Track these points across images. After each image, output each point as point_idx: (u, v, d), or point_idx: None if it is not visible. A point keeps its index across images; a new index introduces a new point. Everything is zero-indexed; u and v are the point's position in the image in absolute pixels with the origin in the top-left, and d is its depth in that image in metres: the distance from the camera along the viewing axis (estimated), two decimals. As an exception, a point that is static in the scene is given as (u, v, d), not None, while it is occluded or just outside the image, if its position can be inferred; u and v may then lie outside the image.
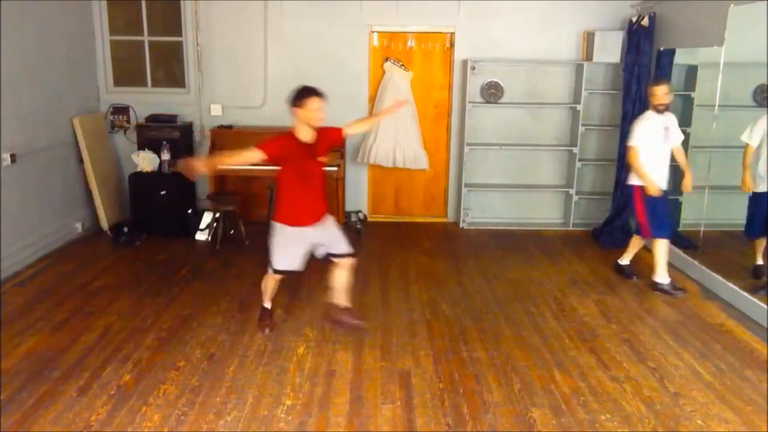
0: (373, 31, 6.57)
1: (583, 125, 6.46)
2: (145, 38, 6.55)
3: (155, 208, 6.09)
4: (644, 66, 5.99)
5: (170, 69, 6.71)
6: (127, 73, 6.66)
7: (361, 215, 6.78)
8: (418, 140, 6.59)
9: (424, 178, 6.89)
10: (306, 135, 3.71)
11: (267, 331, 4.07)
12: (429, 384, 3.48)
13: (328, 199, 6.54)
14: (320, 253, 3.96)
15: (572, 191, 6.59)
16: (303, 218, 3.80)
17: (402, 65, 6.52)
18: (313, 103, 3.62)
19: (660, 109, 4.73)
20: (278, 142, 3.68)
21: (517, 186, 6.79)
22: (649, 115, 4.80)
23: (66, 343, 3.85)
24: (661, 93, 4.70)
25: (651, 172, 4.79)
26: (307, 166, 3.79)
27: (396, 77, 6.50)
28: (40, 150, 5.45)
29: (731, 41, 4.79)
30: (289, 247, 3.83)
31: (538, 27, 6.48)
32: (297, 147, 3.70)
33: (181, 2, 6.43)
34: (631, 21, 6.13)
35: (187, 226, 6.16)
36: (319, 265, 5.37)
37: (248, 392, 3.36)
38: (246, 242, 5.89)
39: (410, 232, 6.53)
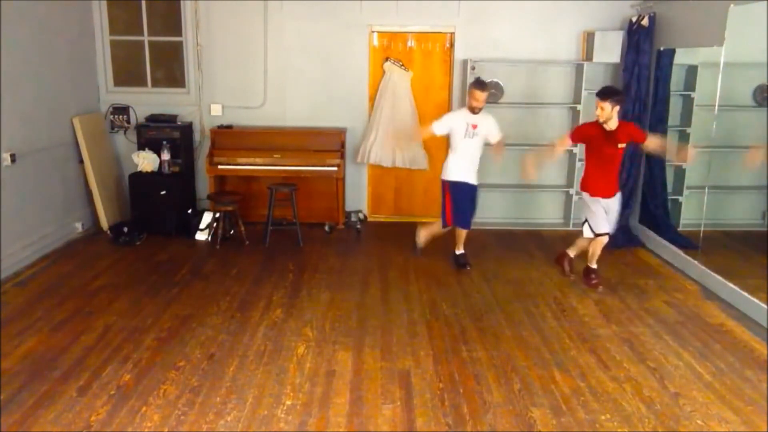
0: (373, 31, 6.57)
1: (583, 125, 6.46)
2: (145, 38, 6.56)
3: (155, 208, 6.09)
4: (644, 66, 5.98)
5: (170, 69, 6.71)
6: (127, 73, 6.66)
7: (361, 215, 6.79)
8: (418, 140, 6.58)
9: (424, 178, 6.87)
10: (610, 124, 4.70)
11: (600, 288, 4.88)
12: (429, 384, 3.48)
13: (328, 198, 6.64)
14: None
15: (572, 191, 6.59)
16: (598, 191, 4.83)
17: (402, 65, 6.51)
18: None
19: (475, 111, 5.11)
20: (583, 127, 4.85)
21: (517, 186, 6.78)
22: (458, 111, 5.38)
23: (66, 343, 3.86)
24: (482, 98, 5.07)
25: (452, 163, 5.31)
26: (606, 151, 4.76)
27: (396, 77, 6.49)
28: (40, 150, 5.46)
29: (731, 41, 4.79)
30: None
31: (538, 27, 6.47)
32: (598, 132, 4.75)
33: (181, 2, 6.43)
34: (631, 21, 6.13)
35: (187, 226, 6.16)
36: (318, 266, 5.40)
37: (248, 392, 3.36)
38: (246, 242, 5.89)
39: (410, 232, 6.50)
